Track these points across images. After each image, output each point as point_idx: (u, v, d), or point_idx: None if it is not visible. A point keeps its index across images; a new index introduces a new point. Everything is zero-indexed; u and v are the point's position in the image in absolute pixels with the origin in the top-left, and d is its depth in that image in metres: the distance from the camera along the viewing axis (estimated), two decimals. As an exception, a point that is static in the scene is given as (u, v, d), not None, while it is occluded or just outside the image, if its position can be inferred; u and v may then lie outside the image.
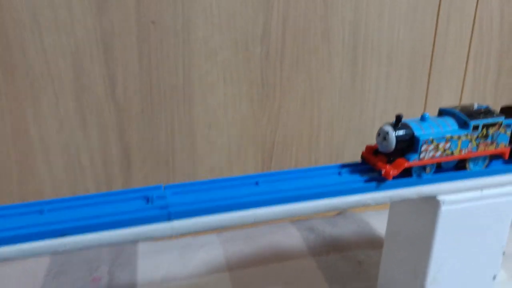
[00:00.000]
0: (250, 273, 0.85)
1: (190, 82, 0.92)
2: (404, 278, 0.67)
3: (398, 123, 0.58)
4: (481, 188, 0.60)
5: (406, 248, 0.67)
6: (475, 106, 0.62)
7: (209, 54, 0.91)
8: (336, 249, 0.91)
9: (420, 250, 0.63)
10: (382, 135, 0.58)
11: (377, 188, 0.57)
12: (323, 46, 0.95)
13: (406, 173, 0.59)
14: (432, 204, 0.59)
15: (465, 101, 1.10)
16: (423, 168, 0.59)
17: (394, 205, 0.69)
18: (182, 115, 0.94)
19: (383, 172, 0.57)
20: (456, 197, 0.59)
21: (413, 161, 0.57)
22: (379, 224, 1.02)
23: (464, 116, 0.59)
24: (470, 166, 0.61)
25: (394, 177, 0.58)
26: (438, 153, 0.58)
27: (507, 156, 0.62)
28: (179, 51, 0.89)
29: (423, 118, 0.60)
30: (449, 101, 1.08)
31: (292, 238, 0.95)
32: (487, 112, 0.60)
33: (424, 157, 0.58)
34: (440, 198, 0.59)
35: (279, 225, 1.01)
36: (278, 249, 0.92)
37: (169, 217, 0.50)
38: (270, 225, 1.01)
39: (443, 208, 0.59)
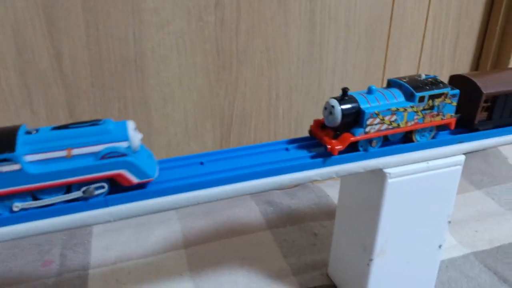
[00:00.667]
0: (207, 248, 0.85)
1: (142, 53, 0.88)
2: (354, 251, 0.68)
3: (344, 96, 0.57)
4: (427, 159, 0.61)
5: (355, 221, 0.68)
6: (423, 77, 0.61)
7: (160, 24, 0.87)
8: (293, 221, 0.92)
9: (368, 222, 0.64)
10: (328, 109, 0.57)
11: (323, 164, 0.57)
12: (279, 14, 0.93)
13: (353, 147, 0.59)
14: (378, 176, 0.60)
15: (424, 66, 1.10)
16: (369, 142, 0.59)
17: (345, 178, 0.69)
18: (135, 89, 0.91)
19: (328, 147, 0.57)
20: (402, 169, 0.59)
21: (358, 135, 0.57)
22: (337, 194, 1.04)
23: (411, 88, 0.59)
24: (416, 138, 0.61)
25: (341, 152, 0.58)
26: (384, 126, 0.58)
27: (453, 126, 0.62)
28: (129, 21, 0.85)
29: (369, 91, 0.59)
30: (408, 67, 1.08)
31: (250, 212, 0.96)
32: (433, 82, 0.60)
33: (370, 131, 0.57)
34: (386, 170, 0.59)
35: (239, 198, 1.01)
36: (236, 223, 0.93)
37: (106, 204, 0.49)
38: (229, 199, 1.01)
39: (390, 181, 0.59)
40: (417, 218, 0.64)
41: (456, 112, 0.63)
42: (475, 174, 1.09)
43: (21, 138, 0.46)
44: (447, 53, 1.11)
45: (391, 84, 0.62)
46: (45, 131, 0.47)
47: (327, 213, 0.94)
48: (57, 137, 0.47)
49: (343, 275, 0.74)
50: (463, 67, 1.14)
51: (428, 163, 0.61)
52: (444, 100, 0.60)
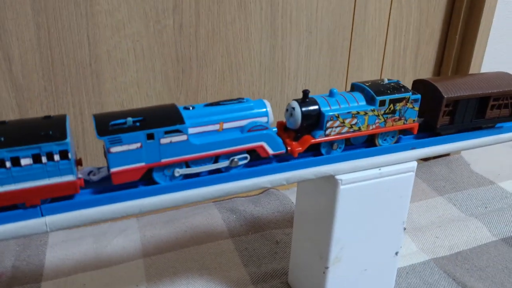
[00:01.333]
0: (166, 258, 0.82)
1: (98, 57, 0.85)
2: (311, 259, 0.67)
3: (305, 98, 0.57)
4: (379, 166, 0.60)
5: (311, 228, 0.66)
6: (386, 81, 0.61)
7: (116, 26, 0.84)
8: (255, 229, 0.91)
9: (322, 229, 0.62)
10: (289, 111, 0.57)
11: (273, 171, 0.55)
12: (239, 18, 0.91)
13: (317, 151, 0.58)
14: (331, 183, 0.59)
15: (386, 72, 1.10)
16: (331, 144, 0.58)
17: (301, 184, 0.68)
18: (91, 94, 0.88)
19: (288, 149, 0.56)
20: (354, 176, 0.58)
21: (319, 137, 0.56)
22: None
23: (372, 92, 0.58)
24: (379, 141, 0.61)
25: (302, 154, 0.57)
26: (345, 129, 0.57)
27: (415, 131, 0.62)
28: (82, 23, 0.82)
29: (331, 94, 0.59)
30: (371, 73, 1.09)
31: (213, 220, 0.93)
32: (395, 87, 0.60)
33: (330, 133, 0.57)
34: (338, 177, 0.58)
35: (202, 206, 0.99)
36: (197, 231, 0.90)
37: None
38: (193, 207, 0.99)
39: (341, 187, 0.58)
40: (372, 225, 0.63)
41: (419, 117, 0.63)
42: (438, 181, 1.10)
43: (183, 113, 0.50)
44: (409, 60, 1.12)
45: (354, 88, 0.62)
46: (200, 107, 0.53)
47: (291, 221, 0.93)
48: (211, 113, 0.52)
49: (301, 284, 0.72)
50: (425, 75, 1.15)
51: (380, 169, 0.60)
52: (406, 104, 0.59)
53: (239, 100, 0.55)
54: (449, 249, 0.86)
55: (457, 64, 1.12)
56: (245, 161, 0.54)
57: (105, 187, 0.50)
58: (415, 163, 0.62)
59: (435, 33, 1.11)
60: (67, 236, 0.87)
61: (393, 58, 1.09)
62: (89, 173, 0.52)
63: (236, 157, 0.53)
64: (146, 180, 0.52)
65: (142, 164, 0.49)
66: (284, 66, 0.99)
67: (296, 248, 0.73)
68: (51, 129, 0.45)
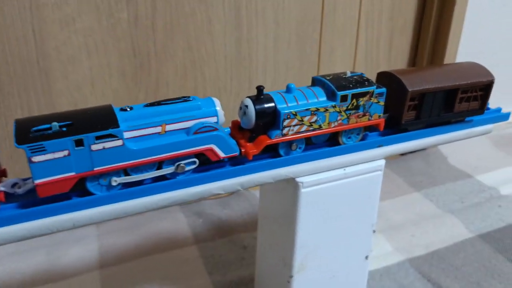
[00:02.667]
0: (125, 268, 0.77)
1: (46, 54, 0.79)
2: (275, 266, 0.62)
3: (259, 95, 0.51)
4: (343, 166, 0.55)
5: (274, 233, 0.62)
6: (348, 74, 0.56)
7: (65, 20, 0.78)
8: (222, 233, 0.86)
9: (285, 235, 0.58)
10: (243, 109, 0.52)
11: (225, 175, 0.50)
12: (200, 10, 0.86)
13: (275, 152, 0.53)
14: (292, 186, 0.54)
15: (359, 64, 1.06)
16: (289, 145, 0.53)
17: (263, 187, 0.63)
18: (40, 94, 0.81)
19: (242, 151, 0.50)
20: (316, 177, 0.54)
21: (275, 137, 0.51)
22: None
23: (332, 86, 0.53)
24: (342, 140, 0.56)
25: (258, 156, 0.52)
26: (304, 128, 0.52)
27: (382, 127, 0.57)
28: (27, 18, 0.75)
29: (288, 89, 0.53)
30: (343, 66, 1.04)
31: (177, 225, 0.88)
32: (358, 80, 0.54)
33: (288, 133, 0.51)
34: (299, 180, 0.53)
35: (167, 210, 0.93)
36: (160, 238, 0.85)
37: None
38: (157, 211, 0.93)
39: (303, 190, 0.53)
40: (339, 229, 0.59)
41: (385, 112, 0.58)
42: (415, 175, 1.06)
43: (118, 115, 0.45)
44: (383, 51, 1.07)
45: (314, 82, 0.56)
46: (139, 108, 0.47)
47: (257, 224, 0.88)
48: (152, 114, 0.47)
49: (268, 293, 0.68)
50: (400, 66, 1.11)
51: (345, 169, 0.55)
52: (370, 99, 0.55)
53: (185, 98, 0.49)
54: (425, 248, 0.82)
55: (432, 54, 1.08)
56: (193, 166, 0.49)
57: (32, 200, 0.45)
58: (383, 162, 0.58)
59: (408, 22, 1.07)
60: (17, 248, 0.81)
61: (366, 49, 1.05)
62: (13, 186, 0.46)
63: (183, 162, 0.48)
64: (81, 191, 0.46)
65: (72, 174, 0.43)
66: (251, 60, 0.94)
67: (261, 255, 0.68)
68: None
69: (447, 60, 1.07)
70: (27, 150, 0.41)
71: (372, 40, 1.05)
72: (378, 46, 1.06)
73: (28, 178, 0.47)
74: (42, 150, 0.41)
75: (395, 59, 1.09)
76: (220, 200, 0.96)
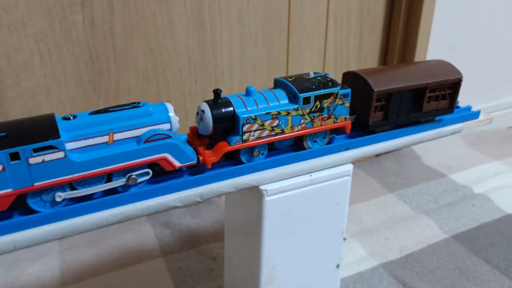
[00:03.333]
0: (88, 286, 0.72)
1: (-5, 61, 0.74)
2: (243, 279, 0.59)
3: (217, 99, 0.49)
4: (310, 171, 0.53)
5: (240, 245, 0.58)
6: (311, 75, 0.53)
7: (14, 25, 0.73)
8: (191, 244, 0.82)
9: (251, 246, 0.54)
10: (200, 115, 0.49)
11: (183, 186, 0.47)
12: (161, 11, 0.82)
13: (236, 159, 0.50)
14: (255, 194, 0.51)
15: (329, 65, 1.04)
16: (251, 151, 0.50)
17: (230, 196, 0.60)
18: (-10, 103, 0.76)
19: (200, 159, 0.47)
20: (281, 185, 0.51)
21: (235, 143, 0.48)
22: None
23: (294, 88, 0.50)
24: (308, 144, 0.53)
25: (219, 164, 0.49)
26: (266, 133, 0.49)
27: (348, 130, 0.54)
28: (-28, 23, 0.71)
29: (248, 92, 0.51)
30: (312, 66, 1.02)
31: (144, 237, 0.84)
32: (322, 82, 0.52)
33: (248, 138, 0.48)
34: (263, 187, 0.50)
35: (134, 221, 0.89)
36: (126, 251, 0.80)
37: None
38: (123, 223, 0.89)
39: (267, 199, 0.50)
40: (307, 238, 0.56)
41: (352, 114, 0.56)
42: (389, 177, 1.05)
43: (60, 124, 0.42)
44: (352, 51, 1.06)
45: (277, 84, 0.54)
46: (83, 116, 0.44)
47: (225, 233, 0.85)
48: (98, 122, 0.43)
49: (237, 307, 0.64)
50: (370, 65, 1.09)
51: (311, 175, 0.52)
52: (335, 101, 0.52)
53: (134, 104, 0.45)
54: (399, 251, 0.80)
55: (402, 52, 1.07)
56: (146, 177, 0.45)
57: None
58: (350, 166, 0.55)
59: (377, 21, 1.05)
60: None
61: (335, 49, 1.03)
62: None
63: (134, 174, 0.44)
64: (23, 209, 0.42)
65: (9, 190, 0.40)
66: (216, 62, 0.90)
67: (228, 267, 0.65)
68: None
69: (417, 58, 1.06)
70: None
71: (341, 40, 1.03)
72: (348, 45, 1.04)
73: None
74: None
75: (365, 58, 1.08)
76: (189, 209, 0.93)
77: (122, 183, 0.44)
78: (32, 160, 0.39)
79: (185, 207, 0.93)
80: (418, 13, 1.01)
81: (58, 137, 0.40)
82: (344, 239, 0.59)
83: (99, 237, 0.85)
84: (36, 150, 0.39)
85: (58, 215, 0.43)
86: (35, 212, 0.42)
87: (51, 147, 0.40)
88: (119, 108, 0.44)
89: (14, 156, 0.39)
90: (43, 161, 0.40)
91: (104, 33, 0.79)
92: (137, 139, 0.44)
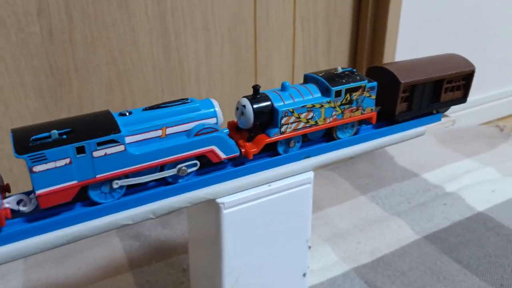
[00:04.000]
0: (47, 306, 0.70)
1: (-51, 75, 0.71)
2: (206, 293, 0.58)
3: (256, 94, 0.52)
4: (268, 181, 0.52)
5: (202, 258, 0.57)
6: (339, 70, 0.57)
7: (-33, 37, 0.71)
8: (161, 256, 0.80)
9: (212, 259, 0.53)
10: (240, 110, 0.51)
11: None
12: (122, 19, 0.80)
13: (274, 151, 0.53)
14: (213, 207, 0.50)
15: (298, 67, 1.03)
16: (287, 142, 0.53)
17: (191, 209, 0.58)
18: None
19: (242, 151, 0.50)
20: (239, 196, 0.50)
21: (274, 135, 0.51)
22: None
23: (326, 82, 0.54)
24: (338, 135, 0.57)
25: (257, 156, 0.52)
26: (301, 125, 0.53)
27: (374, 121, 0.58)
28: None
29: (283, 87, 0.53)
30: (281, 70, 1.01)
31: (112, 251, 0.82)
32: (350, 75, 0.55)
33: (286, 130, 0.52)
34: (219, 200, 0.49)
35: (103, 235, 0.87)
36: (93, 267, 0.78)
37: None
38: (92, 237, 0.87)
39: (225, 212, 0.49)
40: (271, 249, 0.55)
41: (376, 106, 0.59)
42: (361, 178, 1.04)
43: (118, 120, 0.44)
44: (321, 53, 1.05)
45: (307, 79, 0.57)
46: (138, 112, 0.47)
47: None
48: (151, 118, 0.46)
49: (205, 320, 0.63)
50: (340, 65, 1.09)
51: (270, 185, 0.51)
52: (362, 93, 0.56)
53: (183, 101, 0.49)
54: (370, 255, 0.79)
55: (371, 53, 1.07)
56: (194, 168, 0.48)
57: (37, 215, 0.43)
58: (311, 174, 0.54)
59: (345, 22, 1.05)
60: None
61: (304, 51, 1.02)
62: (18, 203, 0.44)
63: (184, 165, 0.47)
64: (83, 200, 0.45)
65: (74, 182, 0.42)
66: (182, 68, 0.89)
67: (194, 280, 0.63)
68: None
69: (386, 58, 1.06)
70: (27, 160, 0.40)
71: (309, 42, 1.02)
72: (316, 48, 1.04)
73: (32, 192, 0.45)
74: (43, 159, 0.40)
75: (335, 59, 1.07)
76: (160, 219, 0.91)
77: (173, 174, 0.47)
78: (96, 154, 0.42)
79: (156, 218, 0.91)
80: (385, 12, 1.01)
81: (119, 131, 0.42)
82: (309, 247, 0.58)
83: (66, 253, 0.82)
84: (99, 144, 0.42)
85: (117, 206, 0.45)
86: (95, 203, 0.44)
87: (113, 141, 0.42)
88: (170, 104, 0.47)
89: (80, 150, 0.41)
90: (105, 154, 0.42)
91: (63, 44, 0.77)
92: (187, 133, 0.47)
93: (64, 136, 0.41)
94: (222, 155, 0.48)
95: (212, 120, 0.48)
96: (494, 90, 1.39)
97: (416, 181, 1.03)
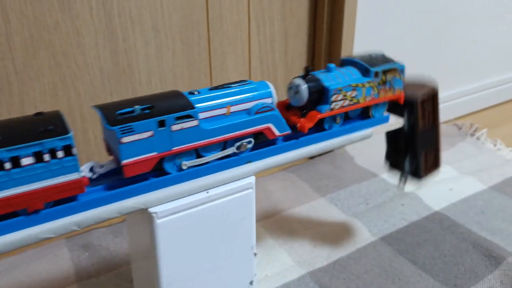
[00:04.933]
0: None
1: None
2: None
3: (307, 75, 0.57)
4: (207, 188, 0.49)
5: (143, 270, 0.55)
6: (373, 55, 0.63)
7: None
8: (110, 267, 0.77)
9: (151, 272, 0.51)
10: (294, 89, 0.57)
11: (57, 214, 0.43)
12: (64, 21, 0.77)
13: (319, 127, 0.58)
14: (146, 217, 0.47)
15: (255, 70, 1.02)
16: (333, 119, 0.59)
17: (130, 217, 0.56)
18: None
19: (298, 125, 0.55)
20: (174, 205, 0.47)
21: (325, 111, 0.57)
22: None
23: (366, 64, 0.60)
24: (372, 112, 0.63)
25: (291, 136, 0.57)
26: (346, 102, 0.58)
27: (402, 101, 0.65)
28: None
29: (328, 69, 0.60)
30: (237, 72, 0.99)
31: (59, 262, 0.78)
32: (384, 59, 0.62)
33: (334, 107, 0.57)
34: (152, 210, 0.46)
35: (50, 246, 0.83)
36: (37, 280, 0.74)
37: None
38: (38, 248, 0.83)
39: (158, 222, 0.47)
40: (213, 258, 0.53)
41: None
42: (321, 179, 1.03)
43: (190, 98, 0.48)
44: (278, 55, 1.04)
45: (344, 63, 0.63)
46: (205, 91, 0.51)
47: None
48: (217, 97, 0.51)
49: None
50: (297, 69, 1.08)
51: (208, 192, 0.49)
52: (395, 75, 0.62)
53: (242, 82, 0.54)
54: (326, 258, 0.78)
55: (329, 54, 1.07)
56: (251, 145, 0.53)
57: (111, 183, 0.47)
58: (252, 179, 0.53)
59: (302, 24, 1.04)
60: None
61: (260, 54, 1.01)
62: (90, 169, 0.47)
63: (245, 141, 0.52)
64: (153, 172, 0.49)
65: (154, 153, 0.46)
66: (132, 72, 0.86)
67: (138, 292, 0.61)
68: (50, 124, 0.41)
69: (344, 60, 1.06)
70: (117, 131, 0.43)
71: (265, 45, 1.01)
72: (273, 50, 1.02)
73: (104, 163, 0.48)
74: (130, 131, 0.44)
75: (292, 62, 1.06)
76: (111, 227, 0.87)
77: (234, 150, 0.52)
78: (174, 127, 0.46)
79: (107, 227, 0.88)
80: (341, 12, 1.01)
81: (194, 107, 0.47)
82: (255, 254, 0.57)
83: (10, 266, 0.78)
84: (178, 118, 0.46)
85: (185, 176, 0.49)
86: (167, 174, 0.48)
87: (189, 116, 0.47)
88: (232, 85, 0.53)
89: (161, 124, 0.46)
90: (181, 128, 0.47)
91: (1, 47, 0.73)
92: (247, 111, 0.52)
93: (147, 111, 0.45)
94: (277, 132, 0.54)
95: (269, 100, 0.53)
96: (452, 90, 1.41)
97: (375, 181, 1.02)
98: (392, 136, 0.73)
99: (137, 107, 0.44)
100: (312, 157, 1.13)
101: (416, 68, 1.27)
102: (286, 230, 0.86)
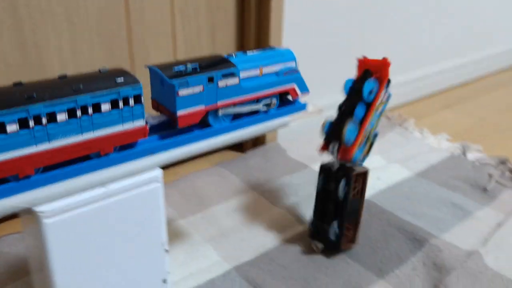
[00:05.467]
0: None
1: None
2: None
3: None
4: (104, 183, 0.46)
5: (41, 277, 0.51)
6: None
7: None
8: (18, 275, 0.71)
9: (46, 280, 0.47)
10: None
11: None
12: (-39, 10, 0.70)
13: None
14: (34, 218, 0.43)
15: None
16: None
17: (23, 220, 0.52)
18: None
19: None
20: (65, 203, 0.44)
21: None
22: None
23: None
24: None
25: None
26: None
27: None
28: None
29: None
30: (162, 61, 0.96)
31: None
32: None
33: None
34: (38, 209, 0.43)
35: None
36: None
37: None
38: None
39: (46, 221, 0.43)
40: (119, 258, 0.50)
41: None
42: (253, 173, 1.02)
43: (230, 59, 0.56)
44: (206, 48, 1.02)
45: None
46: (240, 55, 0.59)
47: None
48: (251, 59, 0.59)
49: None
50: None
51: (106, 187, 0.46)
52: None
53: (270, 47, 0.63)
54: (254, 251, 0.77)
55: (258, 45, 1.05)
56: (277, 103, 0.62)
57: (164, 133, 0.53)
58: (158, 172, 0.50)
59: (229, 15, 1.03)
60: None
61: (186, 47, 0.98)
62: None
63: (274, 99, 0.61)
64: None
65: (203, 106, 0.53)
66: (43, 66, 0.81)
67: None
68: (122, 75, 0.45)
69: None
70: (176, 84, 0.49)
71: (191, 37, 0.98)
72: (200, 42, 1.00)
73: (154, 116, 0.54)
74: (186, 85, 0.50)
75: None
76: (23, 234, 0.81)
77: (265, 108, 0.61)
78: (220, 83, 0.53)
79: (18, 233, 0.82)
80: (268, 4, 1.00)
81: (236, 67, 0.54)
82: (167, 250, 0.54)
83: None
84: (224, 75, 0.53)
85: (226, 128, 0.56)
86: (208, 126, 0.55)
87: (232, 74, 0.54)
88: (262, 50, 0.62)
89: (210, 79, 0.52)
90: (226, 85, 0.54)
91: None
92: (276, 73, 0.61)
93: (198, 69, 0.51)
94: (299, 92, 0.63)
95: (292, 64, 0.62)
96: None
97: (306, 172, 1.03)
98: (323, 198, 0.75)
99: (189, 65, 0.50)
100: (244, 151, 1.12)
101: (346, 60, 1.29)
102: (214, 226, 0.84)
